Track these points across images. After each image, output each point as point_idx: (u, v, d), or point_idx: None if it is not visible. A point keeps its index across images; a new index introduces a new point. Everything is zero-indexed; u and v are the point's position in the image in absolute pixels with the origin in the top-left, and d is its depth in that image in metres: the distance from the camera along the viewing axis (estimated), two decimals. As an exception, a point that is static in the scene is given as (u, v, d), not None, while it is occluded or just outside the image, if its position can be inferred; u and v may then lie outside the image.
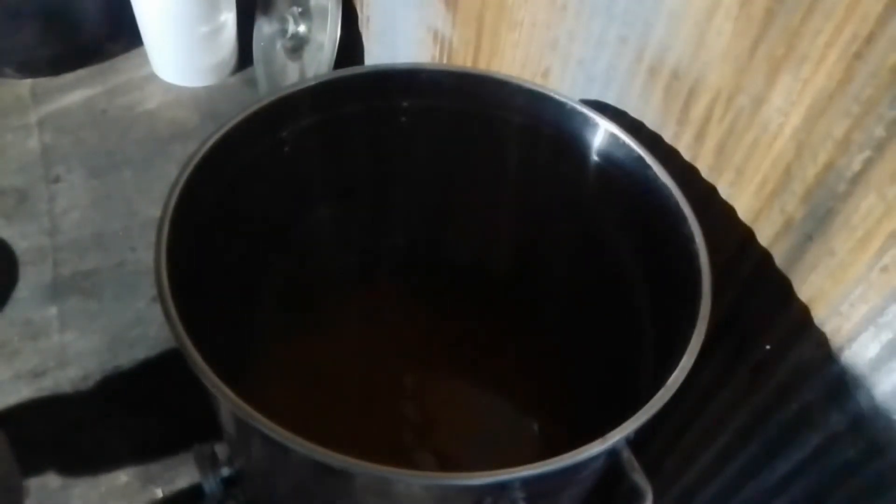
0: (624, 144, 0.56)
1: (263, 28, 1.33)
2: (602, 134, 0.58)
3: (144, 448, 0.97)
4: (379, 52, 1.17)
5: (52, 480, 0.95)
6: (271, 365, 0.69)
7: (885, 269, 0.44)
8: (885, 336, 0.45)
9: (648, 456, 0.71)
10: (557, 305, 0.71)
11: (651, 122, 0.61)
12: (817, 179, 0.47)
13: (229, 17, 1.35)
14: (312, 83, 0.59)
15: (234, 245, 0.61)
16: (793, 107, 0.47)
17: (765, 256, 0.53)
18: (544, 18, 0.70)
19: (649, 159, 0.54)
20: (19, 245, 1.12)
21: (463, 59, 0.89)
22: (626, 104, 0.63)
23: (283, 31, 1.25)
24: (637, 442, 0.44)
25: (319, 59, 1.18)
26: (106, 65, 1.41)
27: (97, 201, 1.17)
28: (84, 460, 0.98)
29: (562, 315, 0.71)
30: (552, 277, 0.71)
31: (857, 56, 0.42)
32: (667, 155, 0.58)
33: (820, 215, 0.48)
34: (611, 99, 0.65)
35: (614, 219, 0.61)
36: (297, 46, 1.24)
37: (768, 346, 0.54)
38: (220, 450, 0.57)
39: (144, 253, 1.10)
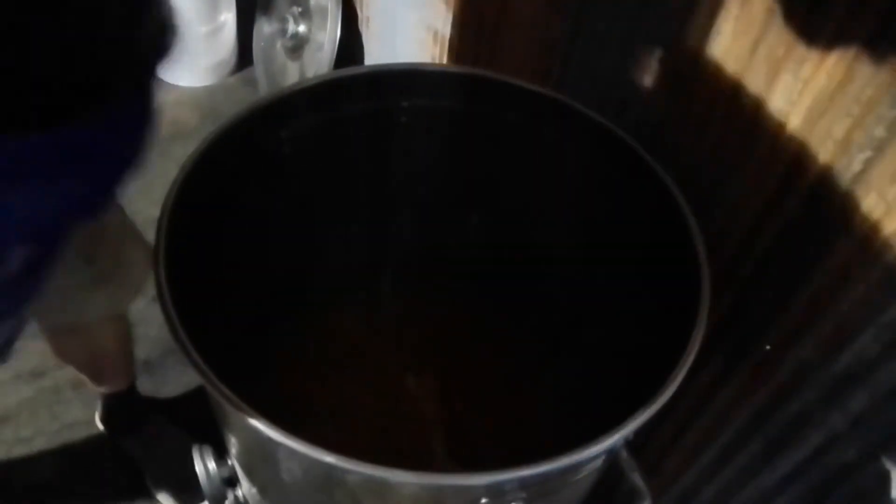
0: (624, 145, 0.56)
1: (263, 28, 1.33)
2: (602, 134, 0.58)
3: (145, 448, 0.97)
4: (379, 52, 1.17)
5: (52, 480, 0.95)
6: (273, 364, 0.69)
7: (885, 269, 0.44)
8: (885, 336, 0.45)
9: (648, 456, 0.71)
10: (557, 305, 0.71)
11: (652, 121, 0.61)
12: (817, 179, 0.47)
13: (229, 17, 1.35)
14: (312, 83, 0.59)
15: (235, 244, 0.61)
16: (793, 107, 0.47)
17: (765, 256, 0.53)
18: (544, 18, 0.70)
19: (650, 159, 0.54)
20: (19, 245, 1.12)
21: (463, 59, 0.89)
22: (627, 104, 0.63)
23: (283, 31, 1.25)
24: (637, 442, 0.44)
25: (319, 59, 1.18)
26: (106, 65, 1.41)
27: (97, 201, 1.17)
28: (84, 460, 0.98)
29: (561, 315, 0.71)
30: (551, 278, 0.71)
31: (858, 56, 0.42)
32: (667, 155, 0.58)
33: (820, 215, 0.48)
34: (611, 99, 0.65)
35: (614, 219, 0.61)
36: (297, 46, 1.24)
37: (768, 346, 0.54)
38: (221, 450, 0.57)
39: (144, 253, 1.10)
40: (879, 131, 0.42)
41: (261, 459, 0.50)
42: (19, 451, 0.97)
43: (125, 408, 0.95)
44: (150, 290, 0.46)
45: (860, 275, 0.45)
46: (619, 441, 0.40)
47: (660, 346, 0.47)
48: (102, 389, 0.93)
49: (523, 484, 0.38)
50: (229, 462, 0.57)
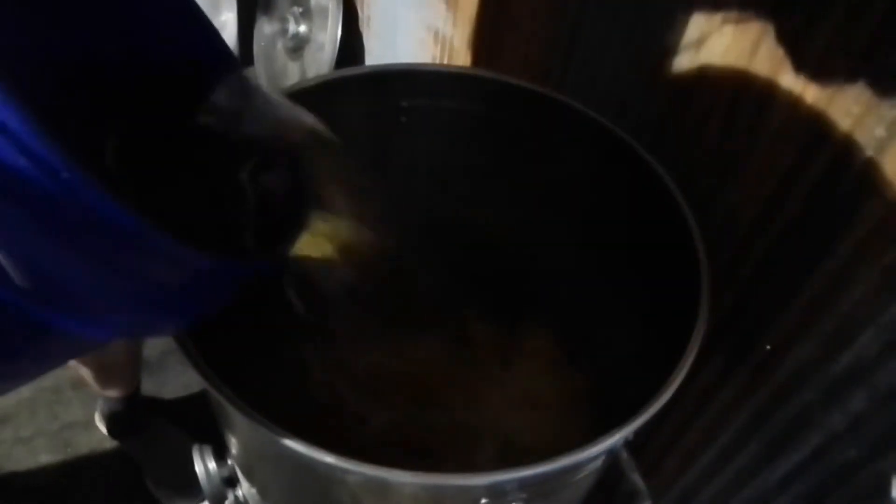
0: (624, 145, 0.56)
1: (264, 28, 1.33)
2: (602, 134, 0.58)
3: (145, 448, 0.97)
4: (379, 52, 1.17)
5: (52, 480, 0.95)
6: (274, 363, 0.69)
7: (885, 270, 0.44)
8: (885, 336, 0.45)
9: (648, 456, 0.71)
10: (555, 306, 0.71)
11: (652, 122, 0.61)
12: (818, 180, 0.47)
13: (230, 17, 1.35)
14: (313, 83, 0.59)
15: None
16: (794, 107, 0.47)
17: (765, 256, 0.53)
18: (545, 18, 0.70)
19: (650, 159, 0.54)
20: (20, 245, 1.12)
21: (463, 59, 0.89)
22: (628, 104, 0.63)
23: (284, 31, 1.25)
24: (637, 442, 0.44)
25: (320, 59, 1.18)
26: (106, 65, 1.41)
27: (98, 201, 1.17)
28: (84, 460, 0.98)
29: (560, 315, 0.71)
30: (551, 278, 0.71)
31: (859, 57, 0.42)
32: (668, 155, 0.58)
33: (821, 216, 0.48)
34: (612, 99, 0.65)
35: (614, 219, 0.61)
36: (298, 46, 1.24)
37: (768, 346, 0.54)
38: (221, 450, 0.57)
39: (145, 253, 1.10)
40: (880, 131, 0.42)
41: (261, 459, 0.50)
42: (19, 451, 0.97)
43: (127, 410, 0.95)
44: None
45: (861, 275, 0.45)
46: (619, 441, 0.40)
47: (660, 346, 0.47)
48: (106, 393, 0.93)
49: (523, 484, 0.38)
50: (229, 462, 0.57)
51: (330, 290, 0.49)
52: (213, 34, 0.41)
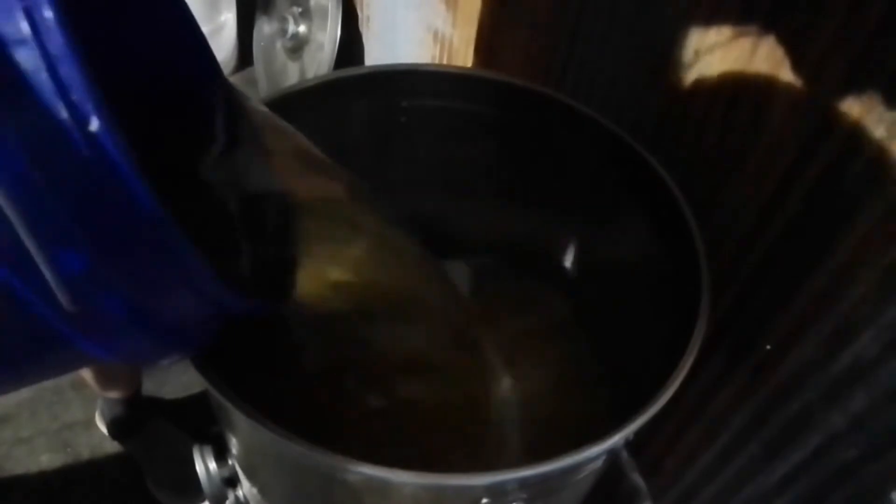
0: (624, 145, 0.56)
1: (263, 28, 1.33)
2: (603, 134, 0.58)
3: (145, 448, 0.97)
4: (379, 52, 1.17)
5: (53, 481, 0.95)
6: (275, 363, 0.69)
7: (886, 270, 0.44)
8: (886, 336, 0.45)
9: (648, 456, 0.71)
10: (554, 306, 0.71)
11: (652, 122, 0.61)
12: (818, 180, 0.47)
13: (229, 17, 1.35)
14: (312, 83, 0.59)
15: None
16: (793, 107, 0.47)
17: (765, 256, 0.53)
18: (545, 19, 0.70)
19: (650, 159, 0.54)
20: (20, 245, 1.12)
21: (463, 59, 0.89)
22: (628, 104, 0.63)
23: (284, 31, 1.25)
24: (637, 442, 0.44)
25: (319, 59, 1.18)
26: (106, 65, 1.41)
27: (97, 201, 1.17)
28: (85, 460, 0.98)
29: (558, 316, 0.71)
30: (550, 278, 0.71)
31: (859, 57, 0.42)
32: (668, 155, 0.58)
33: (820, 215, 0.48)
34: (612, 99, 0.65)
35: (614, 219, 0.61)
36: (298, 46, 1.24)
37: (768, 346, 0.54)
38: (221, 450, 0.57)
39: (145, 253, 1.10)
40: (880, 131, 0.42)
41: (262, 459, 0.50)
42: (19, 451, 0.97)
43: (127, 410, 0.95)
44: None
45: (861, 275, 0.45)
46: (620, 441, 0.40)
47: (660, 346, 0.48)
48: (107, 394, 0.93)
49: (524, 484, 0.38)
50: (230, 462, 0.57)
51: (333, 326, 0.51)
52: (205, 48, 0.41)
